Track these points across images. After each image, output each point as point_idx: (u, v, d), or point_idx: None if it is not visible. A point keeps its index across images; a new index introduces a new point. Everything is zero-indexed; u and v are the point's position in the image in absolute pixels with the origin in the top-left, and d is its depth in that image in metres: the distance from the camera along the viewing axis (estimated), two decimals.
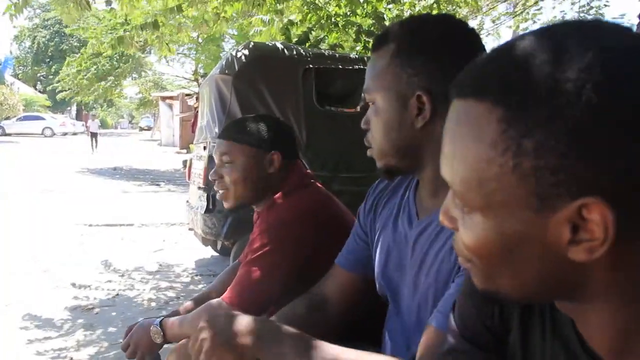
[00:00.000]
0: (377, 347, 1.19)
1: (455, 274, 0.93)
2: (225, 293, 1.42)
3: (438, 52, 0.96)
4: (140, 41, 4.73)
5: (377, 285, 1.16)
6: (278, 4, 5.16)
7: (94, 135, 21.22)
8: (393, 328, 1.13)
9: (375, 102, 1.01)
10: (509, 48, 0.50)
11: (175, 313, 1.63)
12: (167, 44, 4.60)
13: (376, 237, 1.18)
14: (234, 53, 4.13)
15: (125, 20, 4.72)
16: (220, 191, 1.59)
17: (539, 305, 0.62)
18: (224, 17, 5.04)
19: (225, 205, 1.60)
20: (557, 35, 0.48)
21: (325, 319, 1.24)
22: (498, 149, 0.47)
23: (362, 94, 1.03)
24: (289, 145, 1.59)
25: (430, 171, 0.99)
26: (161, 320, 1.51)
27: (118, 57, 19.21)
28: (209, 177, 1.61)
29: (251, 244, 1.45)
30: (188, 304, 1.70)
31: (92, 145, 20.90)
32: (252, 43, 4.32)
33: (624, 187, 0.44)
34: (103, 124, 55.93)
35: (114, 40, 4.54)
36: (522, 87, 0.46)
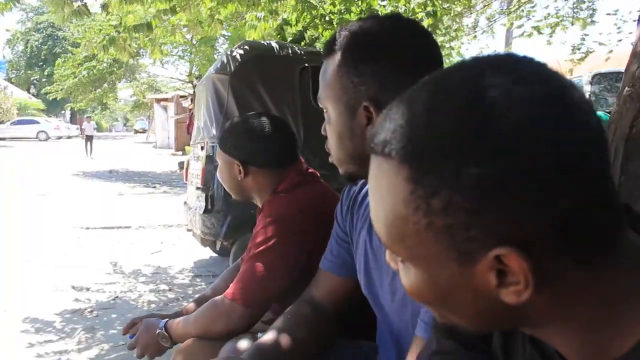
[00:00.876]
0: (373, 342, 1.19)
1: None
2: (229, 289, 1.41)
3: (384, 60, 0.93)
4: (134, 45, 4.70)
5: (361, 286, 1.16)
6: (272, 4, 5.15)
7: (89, 138, 19.77)
8: (382, 336, 1.14)
9: (328, 111, 0.99)
10: (407, 103, 0.50)
11: (179, 314, 1.63)
12: (159, 46, 4.57)
13: (355, 238, 1.17)
14: (229, 53, 4.13)
15: (120, 23, 4.68)
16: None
17: None
18: (218, 18, 5.02)
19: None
20: (451, 87, 0.48)
21: (322, 323, 1.24)
22: (410, 207, 0.47)
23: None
24: (262, 155, 1.56)
25: None
26: (166, 323, 1.50)
27: (112, 62, 19.15)
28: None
29: (254, 239, 1.44)
30: (190, 305, 1.69)
31: (86, 149, 19.56)
32: (248, 42, 4.32)
33: (533, 235, 0.44)
34: (98, 127, 55.80)
35: (106, 41, 4.50)
36: (422, 146, 0.46)
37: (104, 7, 4.16)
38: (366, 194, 1.16)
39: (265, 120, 1.59)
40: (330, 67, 0.97)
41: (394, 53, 0.93)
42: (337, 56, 0.96)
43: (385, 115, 0.52)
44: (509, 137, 0.43)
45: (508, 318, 0.51)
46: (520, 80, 0.46)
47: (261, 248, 1.40)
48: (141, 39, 4.38)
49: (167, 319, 1.53)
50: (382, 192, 0.50)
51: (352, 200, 1.21)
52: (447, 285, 0.50)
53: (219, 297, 1.43)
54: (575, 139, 0.44)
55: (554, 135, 0.44)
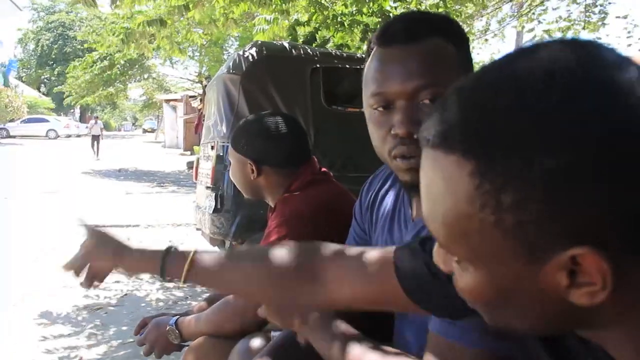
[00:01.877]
0: (389, 342, 1.18)
1: None
2: None
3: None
4: (150, 38, 4.70)
5: None
6: (284, 4, 5.16)
7: (95, 138, 19.03)
8: (401, 334, 1.12)
9: None
10: (471, 90, 0.47)
11: (189, 313, 1.63)
12: (178, 44, 4.58)
13: (375, 235, 1.15)
14: (241, 53, 4.13)
15: (131, 18, 4.71)
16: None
17: None
18: (232, 17, 5.03)
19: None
20: (521, 73, 0.44)
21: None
22: (475, 204, 0.44)
23: None
24: (276, 155, 1.56)
25: None
26: (176, 320, 1.50)
27: (125, 63, 19.23)
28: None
29: (267, 238, 1.44)
30: (202, 303, 1.69)
31: (93, 149, 18.83)
32: (259, 42, 4.32)
33: (613, 232, 0.41)
34: (106, 126, 56.05)
35: (123, 36, 4.53)
36: (489, 137, 0.43)
37: (113, 1, 4.17)
38: (387, 192, 1.14)
39: (278, 120, 1.59)
40: None
41: None
42: None
43: (440, 105, 0.48)
44: (587, 125, 0.40)
45: (571, 320, 0.48)
46: (597, 66, 0.43)
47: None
48: (158, 37, 4.39)
49: (177, 316, 1.53)
50: (440, 190, 0.47)
51: (372, 198, 1.19)
52: (510, 286, 0.47)
53: (232, 296, 1.43)
54: None
55: (632, 126, 0.40)
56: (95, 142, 18.90)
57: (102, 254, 1.05)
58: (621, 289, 0.43)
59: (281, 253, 0.91)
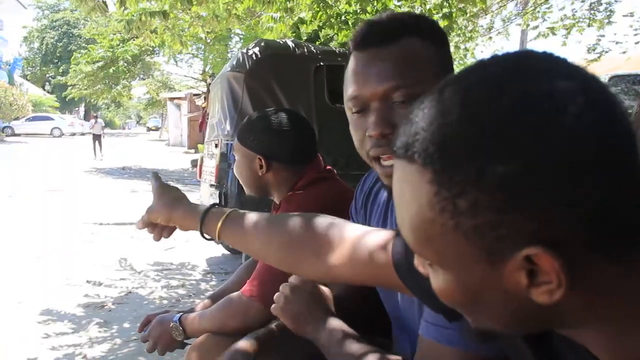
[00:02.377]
0: (388, 338, 1.18)
1: None
2: (245, 285, 1.41)
3: None
4: (152, 28, 4.68)
5: None
6: (288, 2, 5.16)
7: (96, 137, 18.34)
8: (395, 332, 1.13)
9: None
10: (428, 105, 0.49)
11: (193, 310, 1.63)
12: (180, 37, 4.57)
13: None
14: (245, 51, 4.13)
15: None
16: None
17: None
18: (235, 13, 5.03)
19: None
20: (470, 87, 0.47)
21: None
22: (435, 209, 0.47)
23: None
24: (286, 150, 1.56)
25: None
26: (180, 317, 1.50)
27: (129, 59, 19.25)
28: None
29: None
30: (206, 301, 1.69)
31: (94, 149, 18.07)
32: (263, 40, 4.32)
33: (565, 232, 0.43)
34: (111, 125, 56.19)
35: (125, 23, 4.52)
36: (444, 148, 0.45)
37: (122, 1, 4.18)
38: (380, 189, 1.15)
39: (288, 116, 1.58)
40: None
41: None
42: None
43: (407, 117, 0.51)
44: (532, 133, 0.42)
45: (541, 319, 0.50)
46: (541, 76, 0.45)
47: None
48: (160, 29, 4.39)
49: (181, 313, 1.53)
50: (407, 196, 0.50)
51: (365, 195, 1.20)
52: (477, 287, 0.49)
53: (235, 293, 1.43)
54: (602, 131, 0.43)
55: (579, 128, 0.42)
56: (97, 142, 18.31)
57: (159, 208, 1.08)
58: (581, 286, 0.45)
59: (295, 223, 0.93)
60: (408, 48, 0.91)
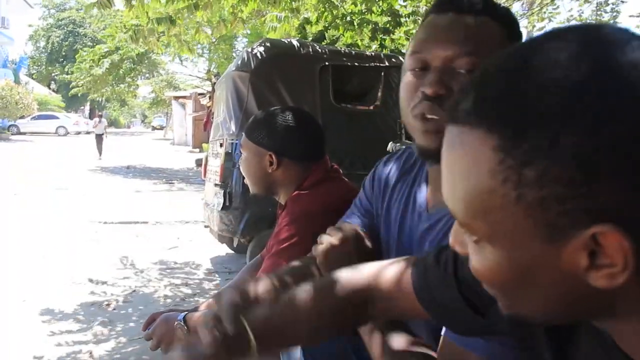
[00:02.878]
0: None
1: None
2: None
3: None
4: (159, 35, 4.70)
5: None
6: (293, 2, 5.15)
7: (99, 137, 17.71)
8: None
9: None
10: (499, 67, 0.47)
11: (198, 309, 1.62)
12: (187, 42, 4.58)
13: (384, 218, 1.12)
14: (250, 50, 4.13)
15: (138, 18, 4.72)
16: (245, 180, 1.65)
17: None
18: (240, 17, 5.03)
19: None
20: (553, 52, 0.44)
21: None
22: (497, 179, 0.44)
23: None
24: (297, 147, 1.55)
25: None
26: (185, 316, 1.50)
27: (134, 59, 19.28)
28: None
29: (277, 236, 1.43)
30: (210, 301, 1.69)
31: (99, 149, 17.48)
32: (269, 40, 4.33)
33: (636, 211, 0.40)
34: (115, 123, 56.26)
35: (132, 32, 4.54)
36: (516, 113, 0.43)
37: (128, 2, 4.19)
38: (402, 178, 1.11)
39: (295, 113, 1.58)
40: None
41: None
42: None
43: (469, 82, 0.48)
44: (617, 106, 0.40)
45: (588, 306, 0.47)
46: (624, 47, 0.43)
47: (285, 245, 1.39)
48: (167, 34, 4.40)
49: (186, 312, 1.53)
50: (463, 165, 0.47)
51: (387, 177, 1.16)
52: (528, 266, 0.46)
53: None
54: None
55: None
56: (99, 142, 17.63)
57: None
58: None
59: (330, 287, 0.85)
60: (486, 24, 0.93)
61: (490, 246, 0.48)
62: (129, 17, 4.89)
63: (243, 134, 1.62)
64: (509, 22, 0.96)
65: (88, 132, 33.76)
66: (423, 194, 1.04)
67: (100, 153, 17.39)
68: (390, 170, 1.16)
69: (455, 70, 0.90)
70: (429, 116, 0.90)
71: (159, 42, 4.64)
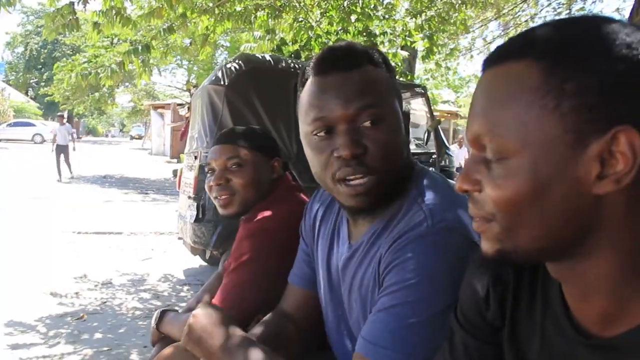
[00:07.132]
0: None
1: (377, 293, 0.95)
2: (213, 300, 1.43)
3: None
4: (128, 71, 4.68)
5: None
6: (270, 20, 5.18)
7: (61, 150, 12.85)
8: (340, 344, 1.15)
9: None
10: (542, 24, 0.58)
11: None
12: (149, 68, 4.55)
13: (316, 254, 1.20)
14: (225, 64, 4.17)
15: (111, 43, 4.72)
16: (224, 197, 1.56)
17: (529, 288, 0.68)
18: (211, 40, 5.05)
19: (227, 211, 1.58)
20: (581, 21, 0.56)
21: (294, 334, 1.24)
22: (539, 93, 0.54)
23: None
24: (280, 155, 1.67)
25: None
26: (165, 311, 1.54)
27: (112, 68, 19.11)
28: (212, 182, 1.56)
29: (235, 251, 1.47)
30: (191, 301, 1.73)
31: (58, 166, 12.77)
32: (244, 55, 4.36)
33: None
34: (94, 132, 55.57)
35: (109, 72, 4.54)
36: (562, 46, 0.54)
37: (96, 25, 4.20)
38: (326, 214, 1.21)
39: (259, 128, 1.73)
40: None
41: None
42: None
43: (519, 34, 0.60)
44: (629, 42, 0.52)
45: (580, 226, 0.55)
46: (622, 22, 0.56)
47: (239, 262, 1.42)
48: (135, 61, 4.40)
49: (170, 309, 1.58)
50: (507, 89, 0.57)
51: (314, 218, 1.25)
52: (548, 177, 0.54)
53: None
54: None
55: None
56: (62, 155, 13.04)
57: None
58: (637, 198, 0.53)
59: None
60: (370, 73, 0.97)
61: (515, 160, 0.56)
62: (96, 39, 4.86)
63: (236, 145, 1.57)
64: (383, 59, 1.01)
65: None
66: (345, 226, 1.11)
67: (69, 169, 13.38)
68: (317, 210, 1.24)
69: (361, 126, 0.94)
70: (354, 180, 0.94)
71: (147, 71, 4.61)
